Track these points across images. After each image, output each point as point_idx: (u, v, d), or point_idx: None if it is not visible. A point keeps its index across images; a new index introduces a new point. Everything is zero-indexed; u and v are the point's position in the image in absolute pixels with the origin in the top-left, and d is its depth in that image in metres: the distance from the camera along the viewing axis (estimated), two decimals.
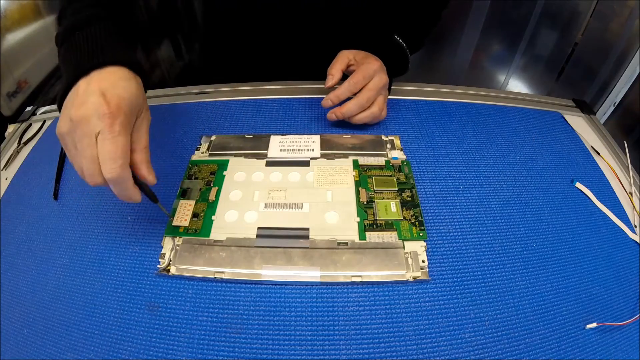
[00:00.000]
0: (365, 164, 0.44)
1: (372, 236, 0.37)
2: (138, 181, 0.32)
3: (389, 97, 0.53)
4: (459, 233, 0.38)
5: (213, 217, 0.38)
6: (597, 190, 0.43)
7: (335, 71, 0.46)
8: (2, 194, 0.44)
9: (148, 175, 0.32)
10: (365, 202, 0.39)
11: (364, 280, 0.34)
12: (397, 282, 0.34)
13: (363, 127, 0.49)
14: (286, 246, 0.36)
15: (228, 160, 0.44)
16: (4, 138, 0.52)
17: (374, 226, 0.37)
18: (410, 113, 0.51)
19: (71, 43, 0.34)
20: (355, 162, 0.44)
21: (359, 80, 0.44)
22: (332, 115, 0.46)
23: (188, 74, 0.91)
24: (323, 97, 0.55)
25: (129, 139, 0.30)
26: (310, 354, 0.30)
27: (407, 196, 0.40)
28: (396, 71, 0.52)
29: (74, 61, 0.32)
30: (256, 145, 0.46)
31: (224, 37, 0.59)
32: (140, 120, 0.32)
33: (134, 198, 0.31)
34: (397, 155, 0.45)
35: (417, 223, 0.38)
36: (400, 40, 0.52)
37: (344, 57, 0.46)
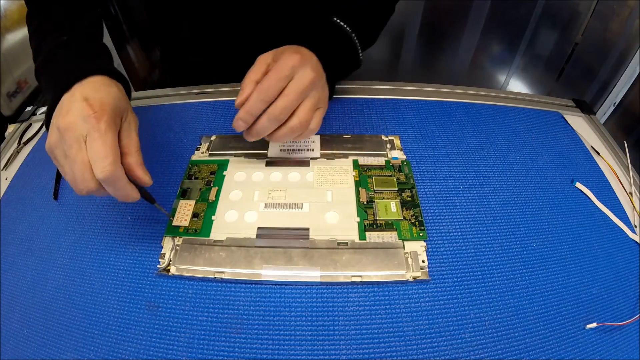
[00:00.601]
0: (365, 164, 0.44)
1: (372, 236, 0.37)
2: (133, 182, 0.32)
3: (388, 97, 0.54)
4: (459, 233, 0.38)
5: (213, 217, 0.38)
6: (597, 190, 0.43)
7: (246, 84, 0.35)
8: (2, 194, 0.44)
9: (144, 176, 0.32)
10: (365, 202, 0.39)
11: (364, 280, 0.34)
12: (397, 282, 0.34)
13: (363, 127, 0.49)
14: (286, 246, 0.36)
15: (228, 160, 0.44)
16: (4, 138, 0.52)
17: (374, 226, 0.37)
18: (410, 113, 0.51)
19: (50, 71, 0.35)
20: (355, 162, 0.44)
21: (270, 85, 0.34)
22: (248, 137, 0.37)
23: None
24: None
25: (117, 137, 0.30)
26: (310, 354, 0.30)
27: (407, 196, 0.40)
28: (343, 65, 0.44)
29: (55, 83, 0.33)
30: (256, 145, 0.46)
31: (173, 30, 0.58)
32: (127, 124, 0.32)
33: (132, 195, 0.31)
34: (397, 155, 0.45)
35: (417, 223, 0.38)
36: (342, 23, 0.43)
37: (261, 64, 0.36)
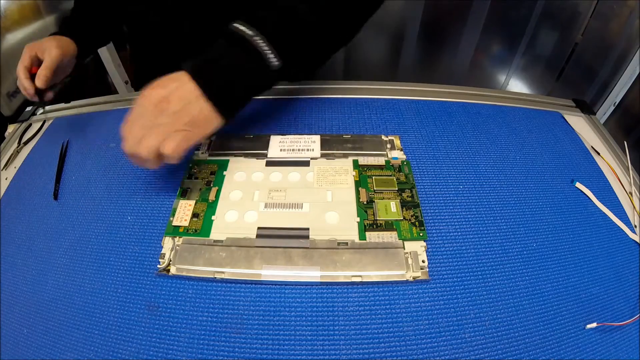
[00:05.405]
0: (365, 164, 0.43)
1: (372, 236, 0.37)
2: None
3: (388, 97, 0.53)
4: (459, 233, 0.38)
5: (213, 217, 0.38)
6: (597, 190, 0.43)
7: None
8: (2, 194, 0.44)
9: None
10: (365, 202, 0.39)
11: (364, 280, 0.34)
12: (397, 282, 0.34)
13: (363, 127, 0.49)
14: (286, 246, 0.36)
15: (228, 160, 0.44)
16: (4, 138, 0.52)
17: (374, 226, 0.37)
18: (410, 113, 0.51)
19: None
20: (355, 162, 0.44)
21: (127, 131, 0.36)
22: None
23: None
24: (325, 98, 0.54)
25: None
26: (310, 354, 0.30)
27: (407, 196, 0.40)
28: (233, 76, 0.38)
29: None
30: (256, 145, 0.46)
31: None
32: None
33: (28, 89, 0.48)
34: (397, 155, 0.45)
35: (417, 223, 0.38)
36: (242, 27, 0.37)
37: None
